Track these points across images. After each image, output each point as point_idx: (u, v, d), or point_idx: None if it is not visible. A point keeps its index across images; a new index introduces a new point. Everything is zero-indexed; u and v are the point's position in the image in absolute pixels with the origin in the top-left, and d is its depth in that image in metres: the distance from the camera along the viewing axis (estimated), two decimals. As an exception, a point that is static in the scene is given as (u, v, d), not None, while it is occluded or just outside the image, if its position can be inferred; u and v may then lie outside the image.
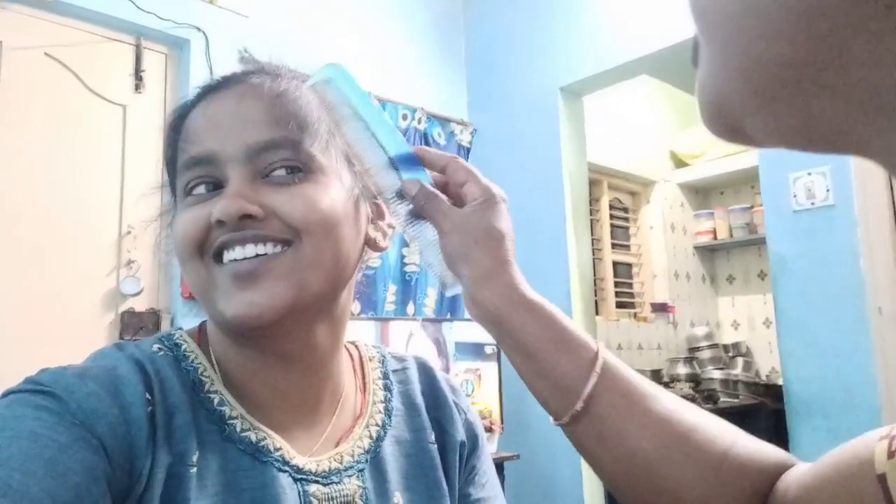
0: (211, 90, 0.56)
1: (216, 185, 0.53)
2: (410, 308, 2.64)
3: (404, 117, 2.77)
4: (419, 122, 2.81)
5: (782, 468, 0.45)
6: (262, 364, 0.56)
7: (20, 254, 1.91)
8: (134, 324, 2.07)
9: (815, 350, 2.02)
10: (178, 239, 0.53)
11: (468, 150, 3.00)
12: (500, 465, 2.31)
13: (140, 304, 2.10)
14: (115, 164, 2.12)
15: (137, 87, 2.18)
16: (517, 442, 2.53)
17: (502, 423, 2.41)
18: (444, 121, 2.93)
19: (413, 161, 0.53)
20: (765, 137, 0.23)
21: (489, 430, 2.33)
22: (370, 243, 0.59)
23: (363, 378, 0.64)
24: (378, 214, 0.61)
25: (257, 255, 0.51)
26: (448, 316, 2.74)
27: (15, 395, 0.46)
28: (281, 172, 0.53)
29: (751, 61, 0.21)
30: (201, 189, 0.53)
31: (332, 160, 0.55)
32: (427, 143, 2.83)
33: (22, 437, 0.42)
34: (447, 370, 2.31)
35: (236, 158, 0.52)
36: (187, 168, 0.53)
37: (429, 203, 0.51)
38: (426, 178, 0.53)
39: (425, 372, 0.68)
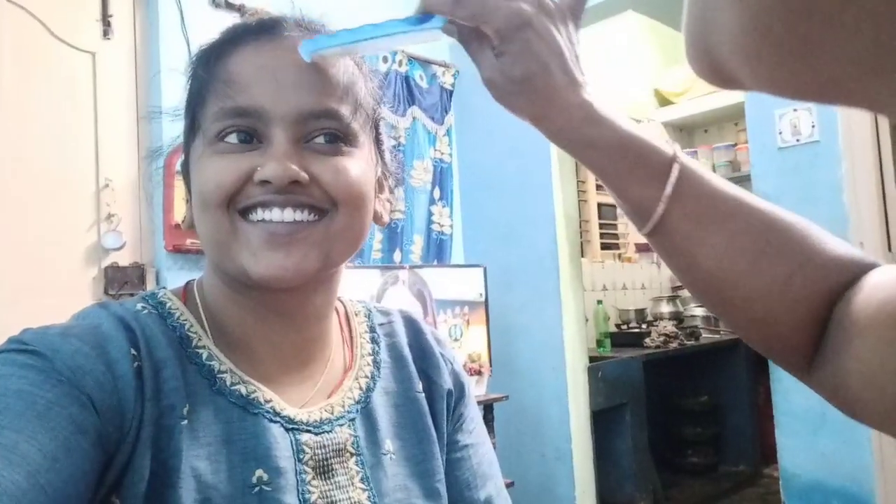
0: (250, 35, 0.54)
1: (250, 137, 0.52)
2: (397, 256, 2.64)
3: (384, 60, 2.69)
4: (400, 64, 2.74)
5: (859, 273, 0.43)
6: (260, 320, 0.56)
7: (-4, 210, 1.87)
8: (118, 278, 2.05)
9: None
10: (210, 186, 0.52)
11: (451, 92, 2.94)
12: (489, 406, 2.37)
13: (123, 259, 2.07)
14: (88, 115, 2.05)
15: (106, 34, 2.09)
16: (505, 383, 2.59)
17: (491, 365, 2.45)
18: (425, 63, 2.86)
19: (427, 17, 0.48)
20: (752, 81, 0.21)
21: (478, 372, 2.37)
22: (376, 217, 0.60)
23: (350, 333, 0.65)
24: (380, 188, 0.61)
25: (294, 221, 0.52)
26: (435, 263, 2.75)
27: None
28: (321, 140, 0.53)
29: None
30: (233, 138, 0.52)
31: (367, 136, 0.57)
32: (409, 87, 2.77)
33: (9, 396, 0.42)
34: (433, 318, 2.33)
35: (285, 120, 0.52)
36: (228, 115, 0.52)
37: (469, 47, 0.48)
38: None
39: (411, 325, 0.68)
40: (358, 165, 0.54)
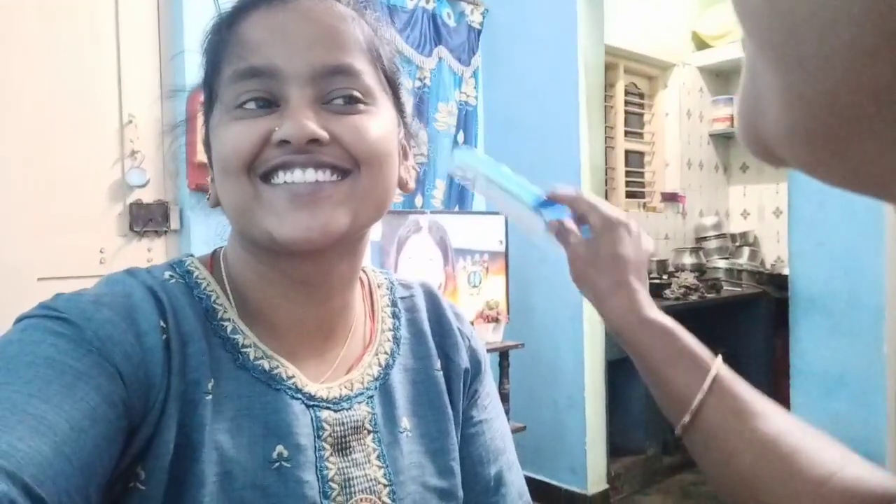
0: (251, 7, 0.53)
1: (268, 102, 0.52)
2: (419, 200, 2.62)
3: (412, -5, 2.60)
4: (427, 1, 2.65)
5: (891, 498, 0.44)
6: (284, 290, 0.56)
7: (21, 146, 1.88)
8: (143, 215, 2.07)
9: (825, 249, 2.01)
10: (228, 152, 0.51)
11: (479, 31, 2.85)
12: (504, 354, 2.40)
13: (147, 196, 2.09)
14: (111, 50, 2.03)
15: (127, -36, 2.04)
16: (522, 331, 2.61)
17: (508, 313, 2.47)
18: (453, 0, 2.76)
19: (549, 203, 0.63)
20: (798, 167, 0.22)
21: (496, 320, 2.39)
22: (401, 183, 0.59)
23: (372, 306, 0.65)
24: (405, 154, 0.60)
25: (317, 181, 0.51)
26: (456, 208, 2.73)
27: (30, 319, 0.46)
28: (339, 101, 0.52)
29: (802, 94, 0.19)
30: (251, 104, 0.51)
31: (386, 97, 0.55)
32: (436, 25, 2.69)
33: (39, 363, 0.43)
34: (452, 268, 2.33)
35: (300, 78, 0.51)
36: (243, 78, 0.51)
37: (561, 236, 0.62)
38: (565, 213, 0.63)
39: (431, 299, 0.68)
40: (378, 124, 0.53)
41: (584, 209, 0.60)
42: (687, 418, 0.49)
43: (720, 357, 0.51)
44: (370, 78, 0.53)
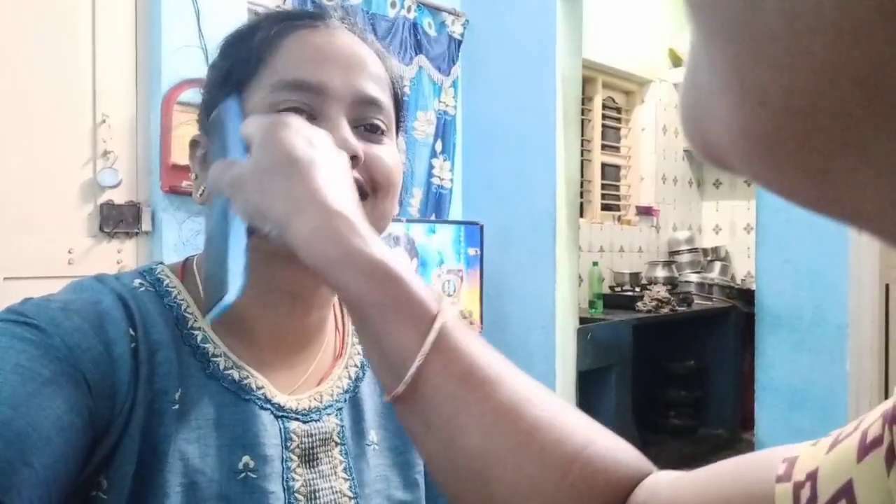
0: (304, 19, 0.56)
1: (303, 114, 0.53)
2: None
3: (392, 5, 2.61)
4: (408, 10, 2.66)
5: (639, 476, 0.38)
6: (268, 299, 0.56)
7: (-10, 142, 1.85)
8: (114, 217, 2.04)
9: (791, 266, 2.06)
10: None
11: (459, 42, 2.87)
12: (477, 363, 2.40)
13: (119, 197, 2.06)
14: (86, 48, 2.00)
15: (105, -37, 2.02)
16: (495, 341, 2.57)
17: (482, 322, 2.48)
18: (434, 10, 2.77)
19: None
20: (761, 184, 0.17)
21: (469, 329, 2.40)
22: None
23: (343, 319, 0.65)
24: None
25: None
26: (433, 217, 2.74)
27: None
28: (364, 128, 0.55)
29: (761, 87, 0.14)
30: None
31: (395, 132, 0.59)
32: (416, 34, 2.70)
33: (7, 369, 0.42)
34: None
35: (343, 100, 0.53)
36: (288, 88, 0.53)
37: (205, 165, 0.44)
38: None
39: None
40: (394, 157, 0.57)
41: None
42: (401, 388, 0.36)
43: (450, 304, 0.38)
44: (391, 114, 0.57)
